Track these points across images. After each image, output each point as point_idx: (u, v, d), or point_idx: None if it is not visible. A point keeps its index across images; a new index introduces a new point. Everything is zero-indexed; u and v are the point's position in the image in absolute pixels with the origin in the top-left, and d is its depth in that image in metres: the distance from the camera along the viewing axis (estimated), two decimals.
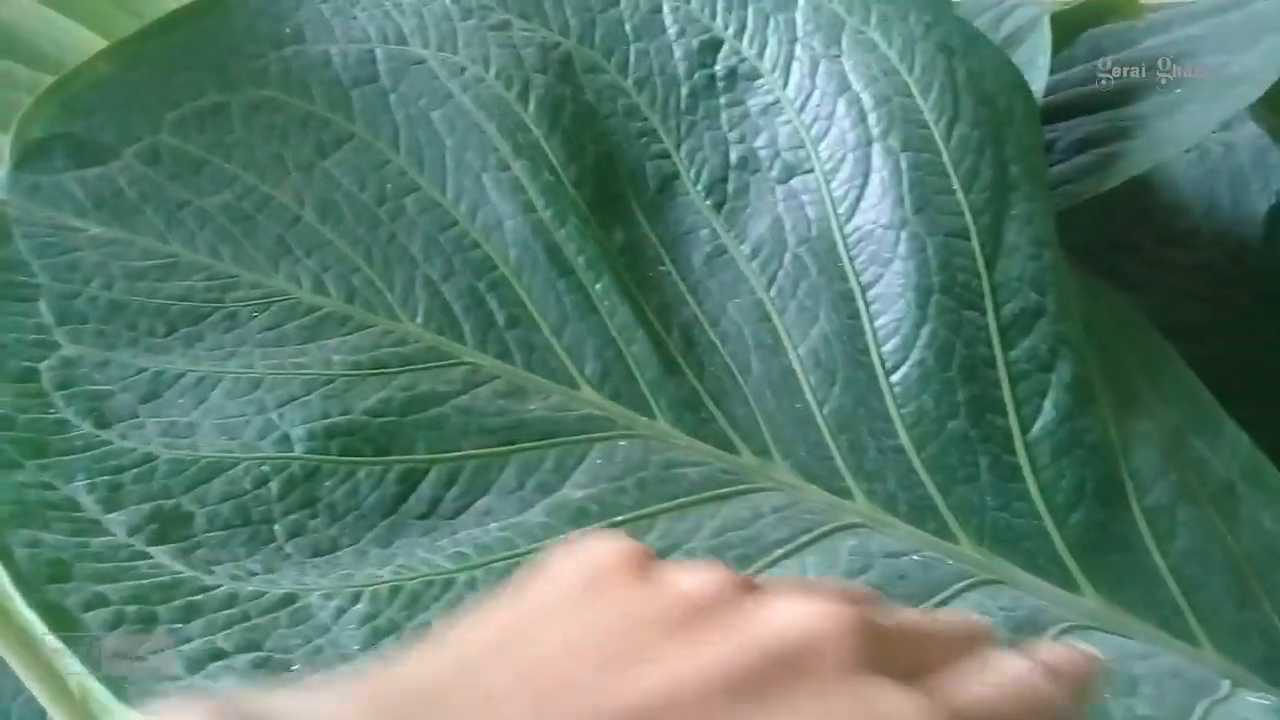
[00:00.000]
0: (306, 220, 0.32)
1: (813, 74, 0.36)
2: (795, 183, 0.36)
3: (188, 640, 0.22)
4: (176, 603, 0.23)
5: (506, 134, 0.34)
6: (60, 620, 0.22)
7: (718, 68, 0.37)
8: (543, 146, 0.34)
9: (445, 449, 0.29)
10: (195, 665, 0.22)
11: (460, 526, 0.28)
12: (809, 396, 0.34)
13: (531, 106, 0.34)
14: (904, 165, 0.35)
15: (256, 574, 0.25)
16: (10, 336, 0.27)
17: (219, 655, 0.22)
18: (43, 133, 0.31)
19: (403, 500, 0.28)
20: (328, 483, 0.27)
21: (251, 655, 0.23)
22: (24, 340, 0.27)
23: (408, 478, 0.28)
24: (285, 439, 0.27)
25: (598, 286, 0.33)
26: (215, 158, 0.32)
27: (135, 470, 0.25)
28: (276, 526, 0.26)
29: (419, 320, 0.32)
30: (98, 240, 0.30)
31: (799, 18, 0.37)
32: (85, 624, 0.22)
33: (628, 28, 0.36)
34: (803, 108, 0.36)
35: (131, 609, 0.23)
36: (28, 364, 0.26)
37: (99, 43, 0.42)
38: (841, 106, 0.36)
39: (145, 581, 0.23)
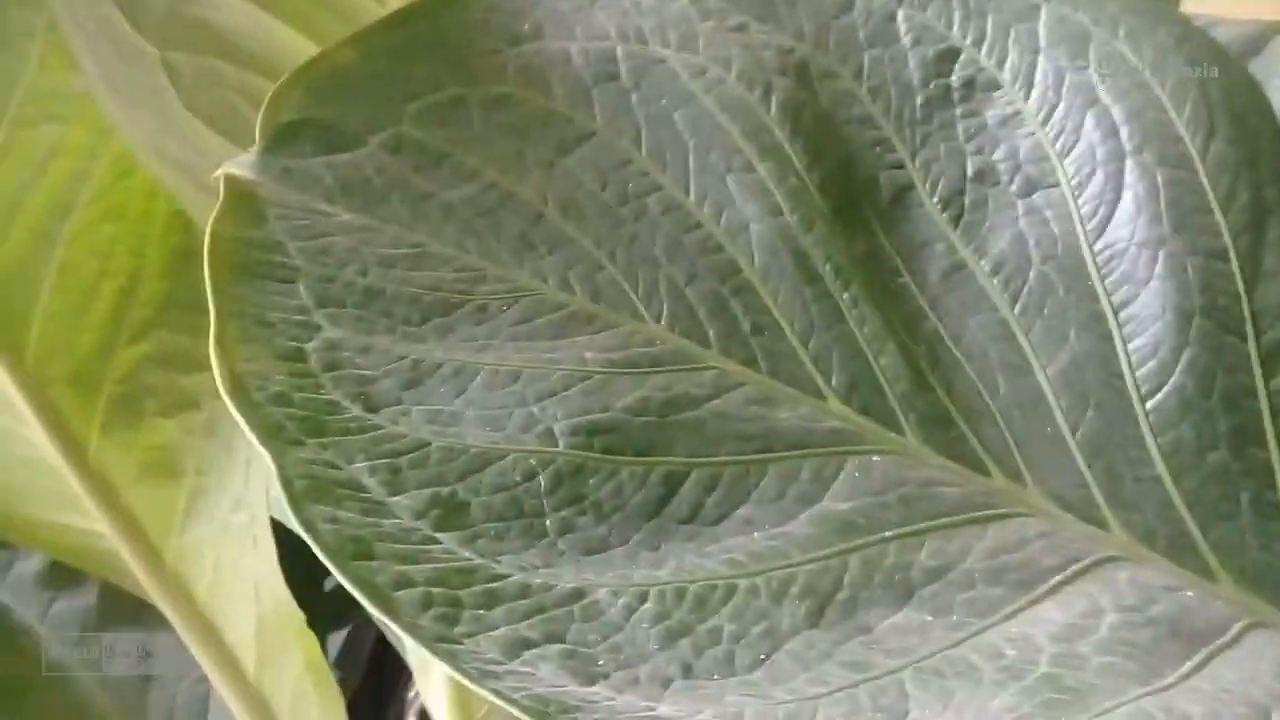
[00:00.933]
0: (549, 217, 0.31)
1: (1058, 86, 0.35)
2: (1038, 197, 0.34)
3: (494, 628, 0.21)
4: (476, 589, 0.22)
5: (750, 136, 0.33)
6: (374, 597, 0.21)
7: (954, 78, 0.35)
8: (786, 150, 0.33)
9: (704, 453, 0.28)
10: (510, 653, 0.21)
11: (723, 534, 0.26)
12: (1060, 420, 0.32)
13: (773, 109, 0.33)
14: (1160, 181, 0.33)
15: (539, 567, 0.23)
16: (276, 315, 0.26)
17: (529, 644, 0.21)
18: (291, 116, 0.30)
19: (665, 503, 0.26)
20: (592, 480, 0.26)
21: (558, 647, 0.21)
22: (289, 320, 0.26)
23: (669, 480, 0.27)
24: (549, 434, 0.26)
25: (845, 295, 0.31)
26: (456, 151, 0.32)
27: (410, 456, 0.24)
28: (548, 521, 0.25)
29: (663, 322, 0.30)
30: (348, 226, 0.29)
31: (1041, 29, 0.35)
32: (398, 602, 0.21)
33: (862, 35, 0.35)
34: (1046, 120, 0.35)
35: (437, 591, 0.21)
36: (295, 344, 0.26)
37: (304, 43, 0.42)
38: (1090, 120, 0.34)
39: (443, 565, 0.22)
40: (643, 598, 0.23)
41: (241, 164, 0.29)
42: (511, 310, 0.29)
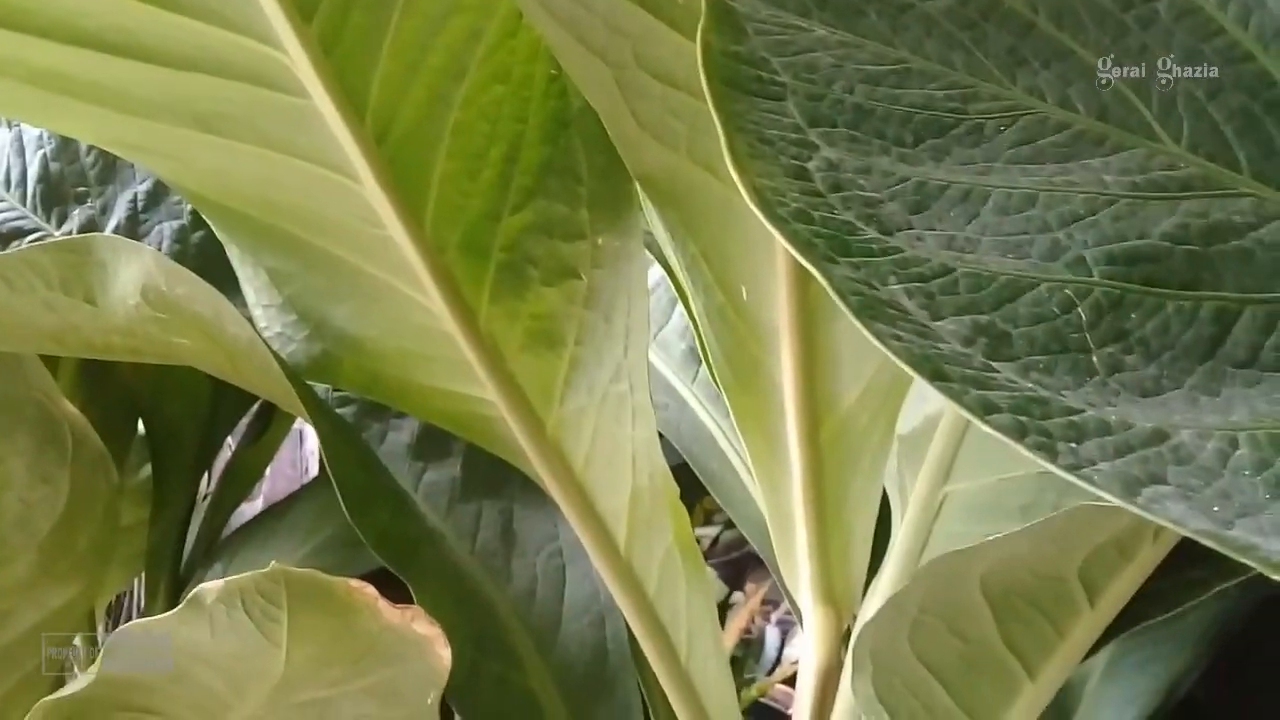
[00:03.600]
0: (1041, 28, 0.27)
1: None
2: None
3: (1093, 463, 0.18)
4: (1059, 420, 0.19)
5: None
6: (977, 417, 0.19)
7: None
8: None
9: (1255, 289, 0.24)
10: (1130, 490, 0.18)
11: None
12: None
13: None
14: None
15: (1099, 405, 0.20)
16: (773, 133, 0.24)
17: (1140, 482, 0.18)
18: None
19: (1218, 344, 0.23)
20: (1134, 315, 0.23)
21: (1168, 488, 0.18)
22: (786, 139, 0.24)
23: (1220, 317, 0.23)
24: (1080, 261, 0.23)
25: None
26: None
27: (938, 281, 0.22)
28: (1094, 358, 0.22)
29: (1184, 143, 0.26)
30: (826, 42, 0.26)
31: None
32: (994, 426, 0.19)
33: None
34: None
35: (1024, 419, 0.19)
36: (797, 162, 0.23)
37: None
38: None
39: (1016, 394, 0.19)
40: (1233, 443, 0.20)
41: None
42: (1010, 130, 0.26)
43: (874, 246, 0.22)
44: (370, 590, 0.46)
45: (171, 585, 0.89)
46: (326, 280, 0.49)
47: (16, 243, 0.62)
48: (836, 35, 0.27)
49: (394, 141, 0.44)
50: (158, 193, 0.64)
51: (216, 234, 0.51)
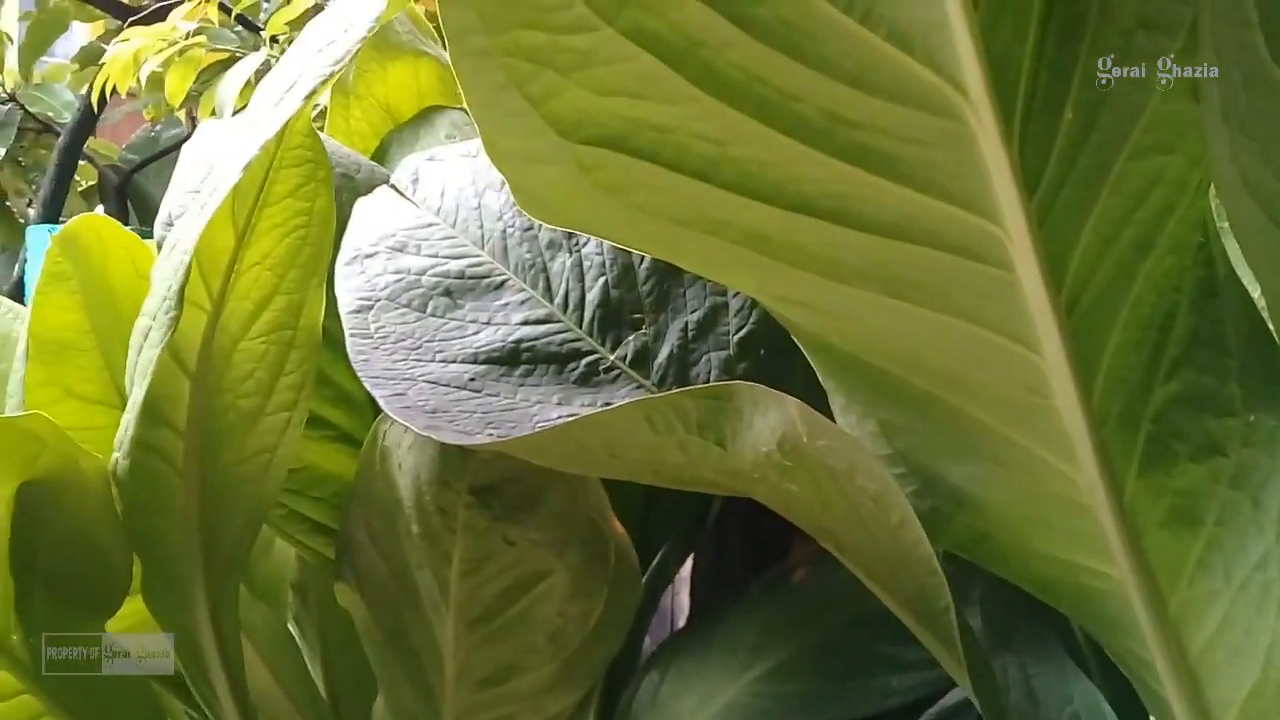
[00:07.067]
0: None
1: None
2: None
3: None
4: None
5: None
6: None
7: None
8: None
9: None
10: None
11: None
12: None
13: None
14: None
15: None
16: None
17: None
18: None
19: None
20: None
21: None
22: None
23: None
24: None
25: None
26: None
27: None
28: None
29: None
30: None
31: None
32: None
33: None
34: None
35: None
36: None
37: None
38: None
39: None
40: None
41: None
42: None
43: None
44: None
45: (606, 691, 0.90)
46: (950, 439, 0.49)
47: (573, 365, 0.65)
48: None
49: (1080, 314, 0.43)
50: (706, 323, 0.66)
51: (823, 379, 0.52)
